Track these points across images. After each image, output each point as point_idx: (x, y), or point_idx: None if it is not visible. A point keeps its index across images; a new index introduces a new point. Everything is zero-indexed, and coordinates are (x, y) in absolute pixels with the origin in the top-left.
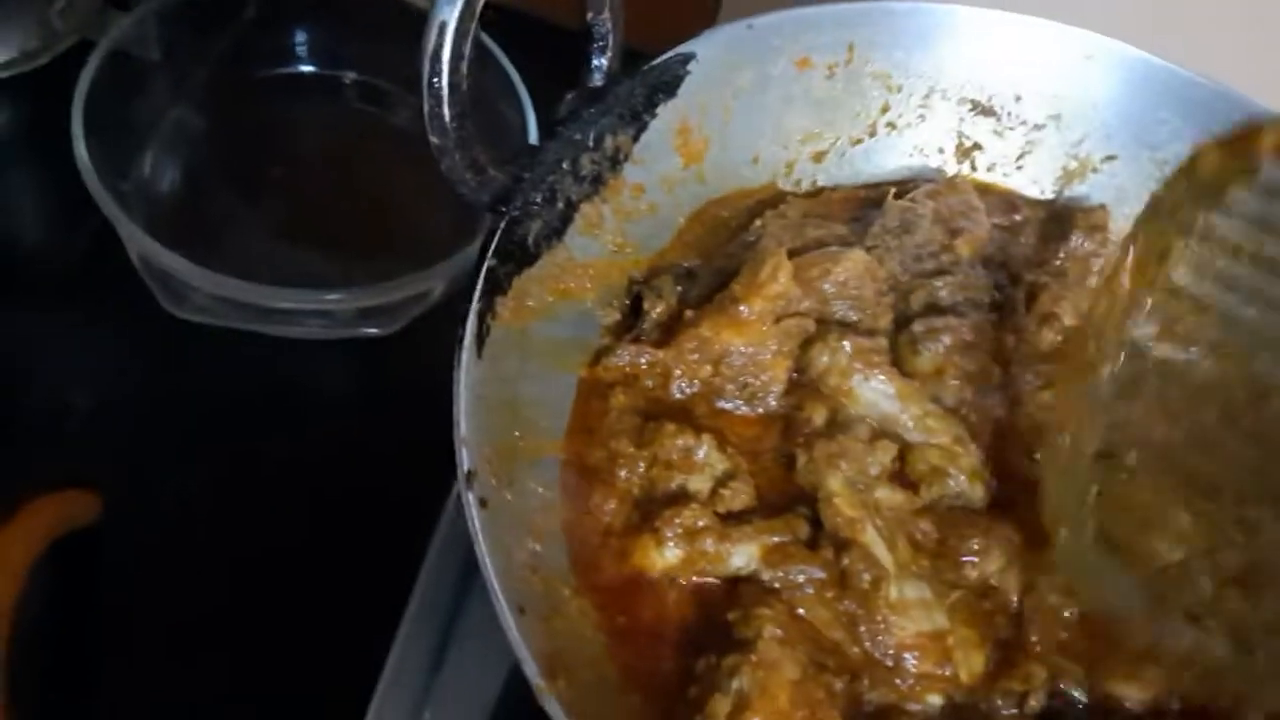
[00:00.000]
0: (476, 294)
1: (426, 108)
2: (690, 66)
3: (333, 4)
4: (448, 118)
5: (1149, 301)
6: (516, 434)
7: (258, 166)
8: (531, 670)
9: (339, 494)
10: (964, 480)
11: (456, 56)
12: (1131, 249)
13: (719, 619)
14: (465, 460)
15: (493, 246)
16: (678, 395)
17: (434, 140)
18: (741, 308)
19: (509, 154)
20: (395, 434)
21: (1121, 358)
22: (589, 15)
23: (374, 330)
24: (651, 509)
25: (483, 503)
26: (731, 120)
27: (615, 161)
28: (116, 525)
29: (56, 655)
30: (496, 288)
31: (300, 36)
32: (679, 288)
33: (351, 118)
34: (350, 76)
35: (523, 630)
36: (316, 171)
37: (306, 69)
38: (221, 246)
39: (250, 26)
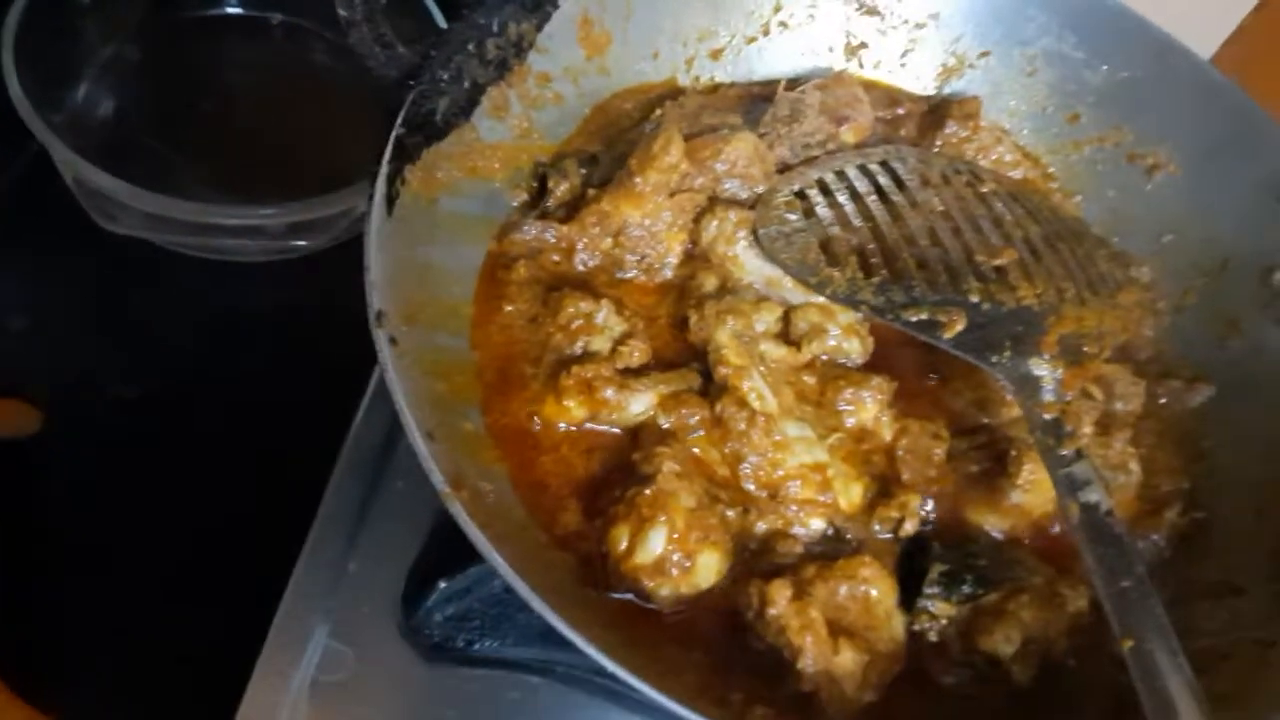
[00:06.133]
0: (386, 156)
1: None
2: None
3: None
4: None
5: None
6: (425, 293)
7: (189, 101)
8: (438, 480)
9: (269, 392)
10: (840, 335)
11: None
12: None
13: (624, 462)
14: (375, 301)
15: (401, 116)
16: (580, 268)
17: (342, 13)
18: (636, 180)
19: (416, 34)
20: (323, 334)
21: None
22: None
23: (303, 243)
24: (555, 368)
25: (392, 340)
26: (632, 16)
27: (519, 48)
28: (55, 436)
29: None
30: (406, 155)
31: None
32: (583, 170)
33: (277, 56)
34: (277, 18)
35: (431, 450)
36: (244, 106)
37: (235, 11)
38: (154, 174)
39: None
